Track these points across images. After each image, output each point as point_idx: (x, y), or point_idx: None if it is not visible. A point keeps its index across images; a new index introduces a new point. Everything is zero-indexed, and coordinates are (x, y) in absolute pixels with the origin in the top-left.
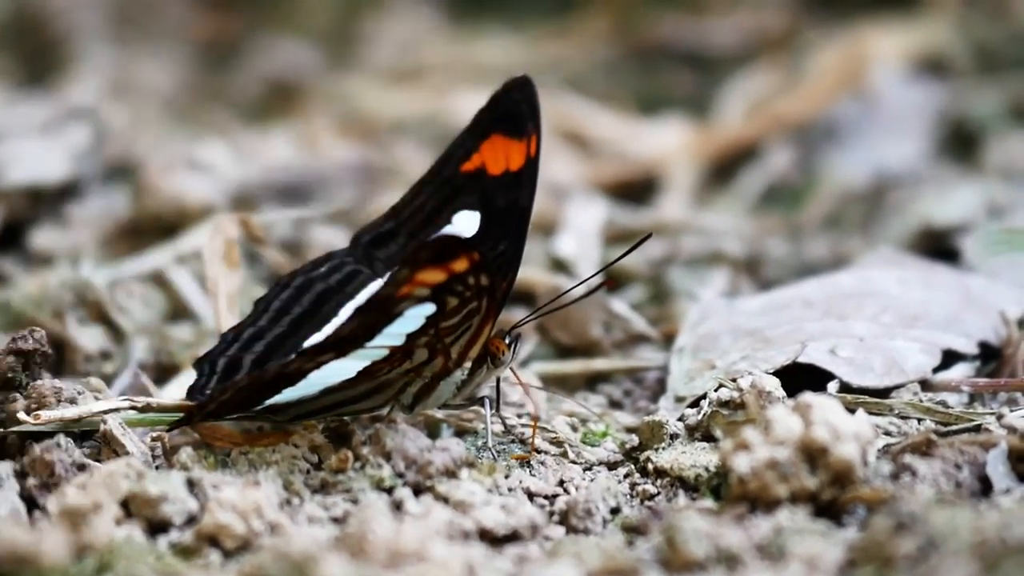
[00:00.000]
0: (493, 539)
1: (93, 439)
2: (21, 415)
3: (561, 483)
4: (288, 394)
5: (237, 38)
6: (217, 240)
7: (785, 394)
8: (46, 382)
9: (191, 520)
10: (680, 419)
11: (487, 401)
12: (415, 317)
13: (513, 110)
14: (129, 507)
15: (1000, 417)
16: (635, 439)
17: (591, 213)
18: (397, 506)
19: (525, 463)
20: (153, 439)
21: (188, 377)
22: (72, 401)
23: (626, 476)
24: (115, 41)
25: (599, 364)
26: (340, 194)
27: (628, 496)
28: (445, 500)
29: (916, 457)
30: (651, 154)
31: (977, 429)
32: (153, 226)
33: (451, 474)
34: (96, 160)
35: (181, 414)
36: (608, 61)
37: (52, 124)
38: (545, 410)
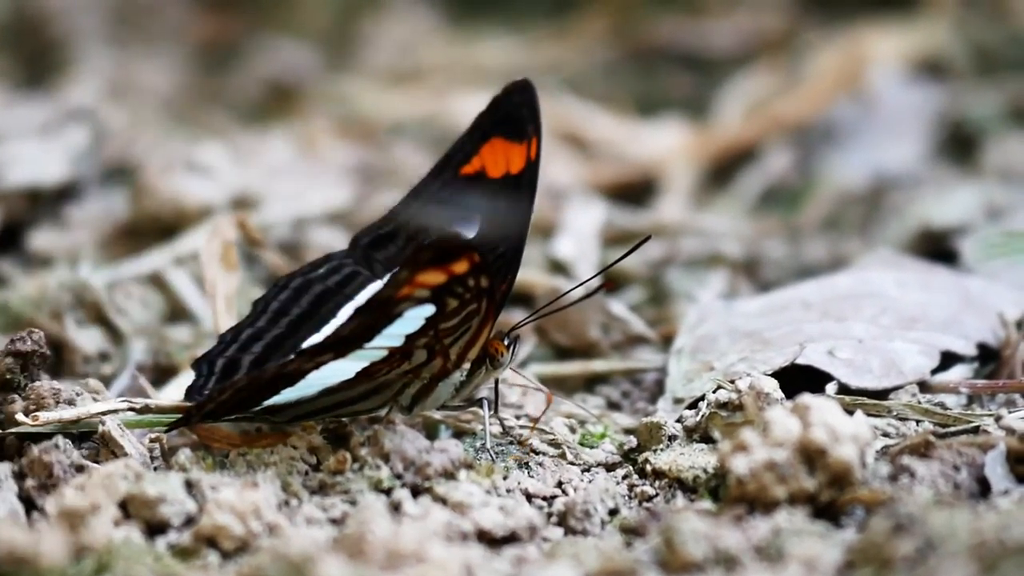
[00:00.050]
0: (491, 540)
1: (91, 440)
2: (19, 416)
3: (559, 484)
4: (287, 395)
5: (236, 39)
6: (215, 242)
7: (783, 395)
8: (44, 383)
9: (189, 521)
10: (678, 420)
11: (485, 402)
12: (415, 318)
13: (513, 113)
14: (127, 508)
15: (998, 418)
16: (633, 440)
17: (590, 215)
18: (395, 507)
19: (524, 464)
20: (151, 440)
21: (187, 378)
22: (70, 402)
23: (624, 477)
24: (114, 42)
25: (597, 366)
26: None
27: (626, 497)
28: (443, 501)
29: (914, 458)
30: (650, 156)
31: (975, 431)
32: (152, 227)
33: (449, 475)
34: (95, 161)
35: (180, 415)
36: (607, 63)
37: (51, 125)
38: (546, 409)
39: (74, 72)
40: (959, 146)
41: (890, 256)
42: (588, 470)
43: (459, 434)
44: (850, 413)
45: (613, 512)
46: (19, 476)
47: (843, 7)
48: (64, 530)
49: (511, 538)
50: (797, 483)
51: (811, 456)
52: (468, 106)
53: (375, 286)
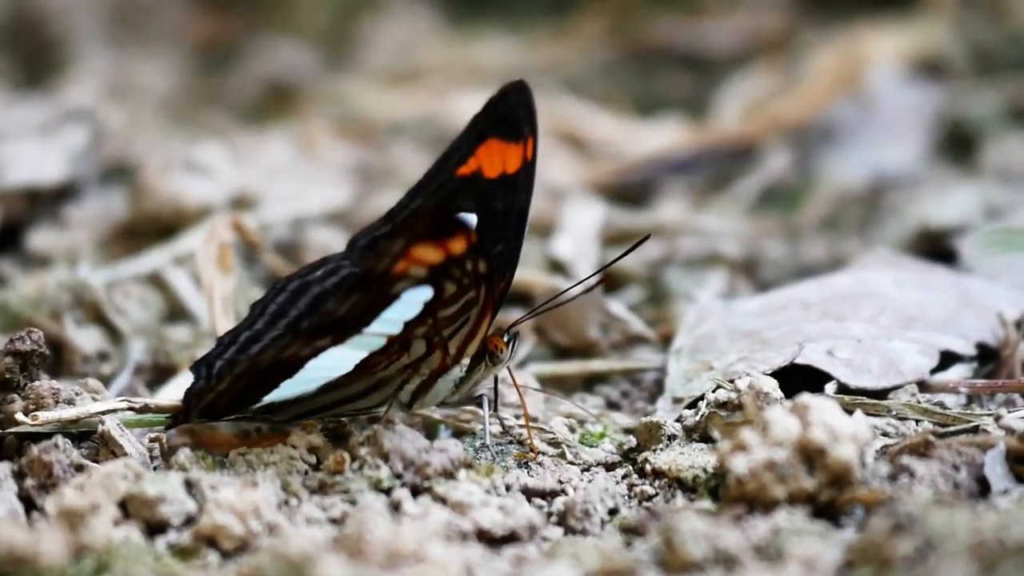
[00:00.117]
0: (491, 540)
1: (91, 440)
2: (19, 416)
3: (559, 484)
4: (286, 389)
5: (235, 40)
6: (210, 245)
7: (783, 395)
8: (44, 383)
9: (189, 521)
10: (678, 420)
11: (485, 401)
12: (413, 302)
13: (510, 114)
14: (127, 508)
15: (998, 418)
16: (633, 440)
17: (589, 214)
18: (395, 507)
19: (524, 463)
20: (151, 440)
21: (185, 378)
22: (70, 402)
23: (624, 477)
24: (113, 43)
25: (597, 365)
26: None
27: (626, 497)
28: (443, 501)
29: (914, 458)
30: (649, 155)
31: (975, 430)
32: (150, 227)
33: (449, 475)
34: (94, 161)
35: (179, 410)
36: (606, 63)
37: (50, 125)
38: (543, 411)
39: (73, 72)
40: (958, 146)
41: (889, 256)
42: (588, 470)
43: (459, 433)
44: (849, 413)
45: (613, 512)
46: (19, 476)
47: (842, 7)
48: (64, 530)
49: (511, 538)
50: (796, 483)
51: (810, 456)
52: (467, 106)
53: None
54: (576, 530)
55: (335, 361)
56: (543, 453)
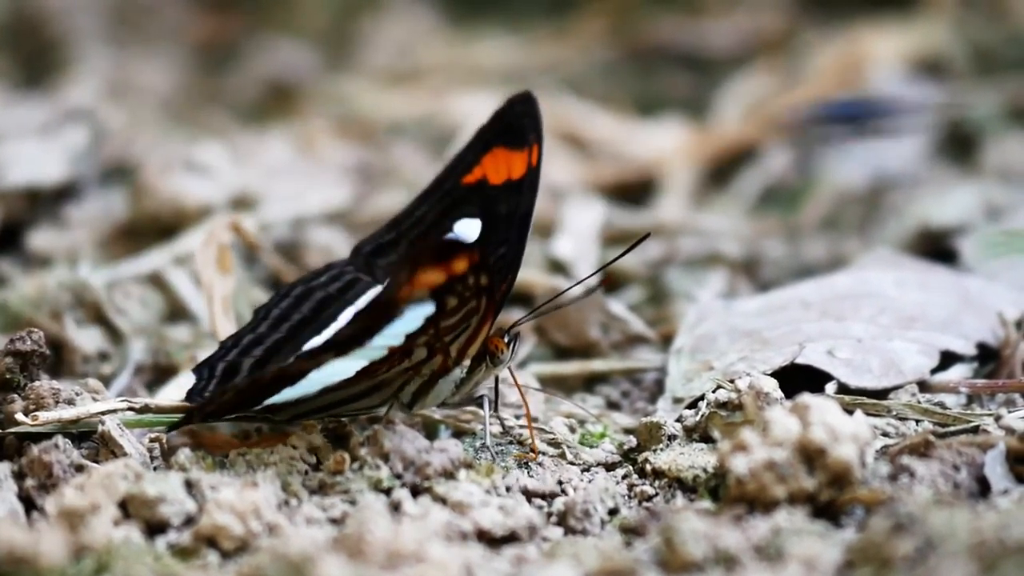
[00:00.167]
0: (491, 540)
1: (91, 440)
2: (19, 416)
3: (559, 484)
4: (287, 393)
5: (235, 39)
6: (210, 245)
7: (783, 395)
8: (44, 383)
9: (189, 521)
10: (678, 420)
11: (486, 401)
12: (415, 318)
13: (515, 124)
14: (127, 508)
15: (998, 418)
16: (633, 440)
17: (589, 214)
18: (395, 507)
19: (524, 464)
20: (151, 440)
21: (186, 378)
22: (70, 402)
23: (624, 477)
24: (113, 43)
25: (597, 365)
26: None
27: (626, 497)
28: (443, 501)
29: (914, 458)
30: (649, 155)
31: (975, 430)
32: (151, 227)
33: (449, 475)
34: (94, 161)
35: (180, 415)
36: (606, 63)
37: (50, 125)
38: (543, 411)
39: (73, 72)
40: (958, 146)
41: (889, 256)
42: (588, 470)
43: (459, 434)
44: (850, 413)
45: (613, 512)
46: (19, 476)
47: (842, 7)
48: (64, 530)
49: (511, 538)
50: (797, 483)
51: (811, 456)
52: (467, 106)
53: (376, 290)
54: (576, 530)
55: (337, 370)
56: (543, 453)
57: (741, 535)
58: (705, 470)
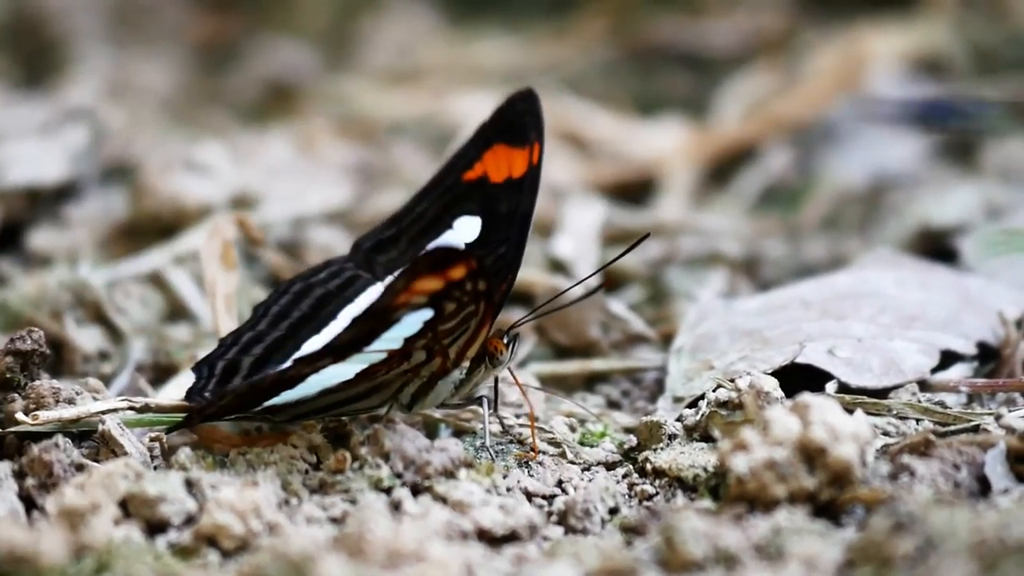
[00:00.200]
0: (491, 539)
1: (91, 439)
2: (19, 415)
3: (559, 483)
4: (286, 396)
5: (235, 39)
6: (214, 242)
7: (783, 394)
8: (44, 382)
9: (189, 520)
10: (678, 419)
11: (485, 401)
12: (413, 322)
13: (517, 121)
14: (127, 507)
15: (998, 417)
16: (633, 439)
17: (589, 214)
18: (395, 506)
19: (524, 463)
20: (151, 439)
21: (186, 378)
22: (70, 401)
23: (624, 476)
24: (113, 42)
25: (597, 364)
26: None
27: (626, 496)
28: (443, 500)
29: (914, 457)
30: (649, 155)
31: (975, 429)
32: (151, 227)
33: (449, 474)
34: (94, 161)
35: (180, 415)
36: (606, 62)
37: (50, 125)
38: (543, 410)
39: (73, 72)
40: (958, 146)
41: (889, 255)
42: (588, 469)
43: (459, 433)
44: (850, 412)
45: (613, 511)
46: (19, 475)
47: (842, 7)
48: (64, 529)
49: (511, 537)
50: (797, 482)
51: (811, 455)
52: (467, 106)
53: (376, 288)
54: (577, 529)
55: (336, 373)
56: (543, 452)
57: (741, 534)
58: (705, 469)
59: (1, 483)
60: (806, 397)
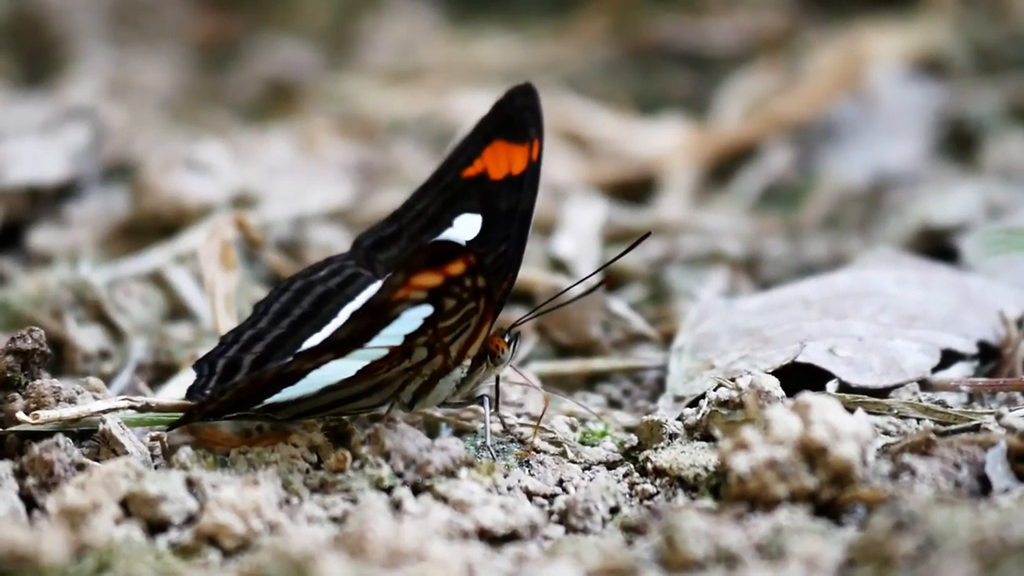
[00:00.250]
0: (492, 538)
1: (92, 439)
2: (20, 415)
3: (560, 483)
4: (287, 393)
5: (235, 38)
6: (213, 242)
7: (784, 394)
8: (45, 382)
9: (190, 520)
10: (679, 419)
11: (486, 400)
12: (413, 319)
13: (516, 117)
14: (128, 507)
15: (999, 417)
16: (634, 439)
17: (590, 213)
18: (396, 505)
19: (524, 462)
20: (152, 439)
21: (187, 377)
22: (71, 401)
23: (625, 476)
24: (114, 41)
25: (598, 364)
26: None
27: (627, 496)
28: (444, 499)
29: (915, 457)
30: (650, 154)
31: (976, 429)
32: (152, 226)
33: (450, 473)
34: (94, 160)
35: (180, 414)
36: (607, 61)
37: (51, 124)
38: (545, 409)
39: (74, 71)
40: (959, 145)
41: (890, 254)
42: (589, 468)
43: (460, 432)
44: (851, 411)
45: (614, 510)
46: (20, 474)
47: (843, 6)
48: (65, 528)
49: (512, 536)
50: (798, 481)
51: (812, 454)
52: (468, 105)
53: (376, 286)
54: (577, 529)
55: (337, 369)
56: (544, 452)
57: (742, 533)
58: (706, 468)
59: (2, 482)
60: (807, 396)
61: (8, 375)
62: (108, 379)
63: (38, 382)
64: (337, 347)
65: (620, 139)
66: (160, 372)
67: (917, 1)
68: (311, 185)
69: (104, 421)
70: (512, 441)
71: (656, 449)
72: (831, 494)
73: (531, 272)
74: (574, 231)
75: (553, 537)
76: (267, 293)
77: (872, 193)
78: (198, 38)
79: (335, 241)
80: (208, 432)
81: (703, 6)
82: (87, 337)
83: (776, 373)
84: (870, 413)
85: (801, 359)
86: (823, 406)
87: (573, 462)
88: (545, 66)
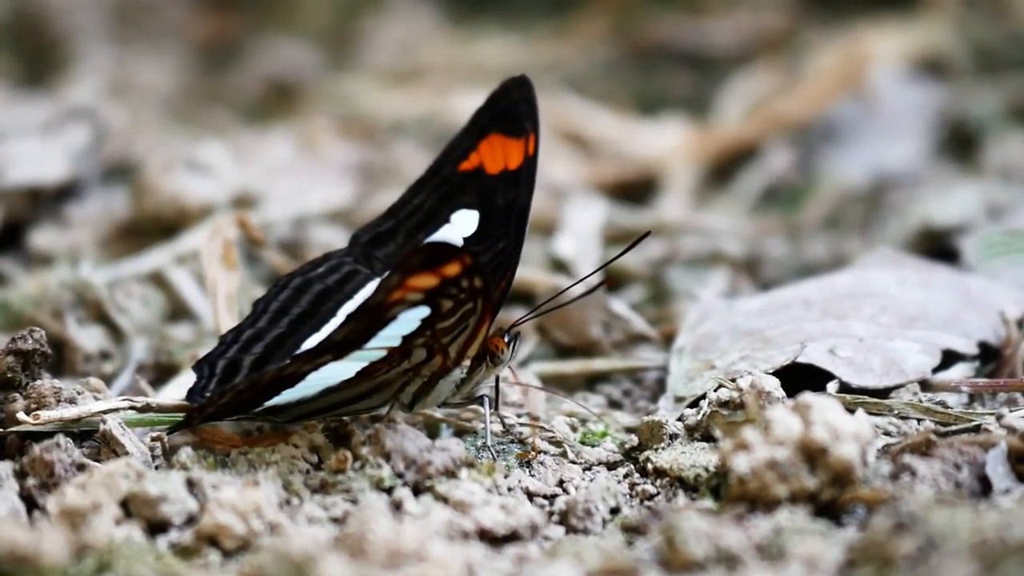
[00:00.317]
0: (492, 539)
1: (93, 439)
2: (21, 415)
3: (560, 483)
4: (287, 395)
5: (236, 38)
6: (215, 241)
7: (784, 394)
8: (45, 382)
9: (191, 520)
10: (679, 419)
11: (486, 400)
12: (410, 320)
13: (511, 110)
14: (129, 507)
15: (999, 417)
16: (634, 439)
17: (590, 213)
18: (396, 506)
19: (524, 463)
20: (153, 439)
21: (187, 377)
22: (71, 401)
23: (625, 476)
24: (114, 41)
25: (598, 364)
26: None
27: (627, 496)
28: (444, 500)
29: (916, 457)
30: (650, 154)
31: (976, 429)
32: (152, 226)
33: (450, 474)
34: (95, 160)
35: (181, 415)
36: (607, 61)
37: (51, 124)
38: (544, 410)
39: (74, 71)
40: (959, 145)
41: (891, 255)
42: (589, 469)
43: (460, 433)
44: (851, 412)
45: (614, 511)
46: (20, 475)
47: (844, 6)
48: (65, 529)
49: (512, 537)
50: (798, 482)
51: (812, 455)
52: (468, 105)
53: (374, 284)
54: (578, 529)
55: (336, 371)
56: (545, 452)
57: (743, 534)
58: (707, 469)
59: (2, 483)
60: (807, 397)
61: (9, 375)
62: (109, 379)
63: (39, 382)
64: (335, 349)
65: (621, 139)
66: (161, 372)
67: (917, 1)
68: (312, 185)
69: (104, 421)
70: (512, 441)
71: (656, 450)
72: (831, 495)
73: (531, 272)
74: (574, 231)
75: (553, 538)
76: (266, 291)
77: (873, 193)
78: (199, 38)
79: (336, 241)
80: (209, 432)
81: (703, 6)
82: (88, 337)
83: (777, 374)
84: (870, 414)
85: (802, 360)
86: (824, 407)
87: (573, 463)
88: (546, 66)
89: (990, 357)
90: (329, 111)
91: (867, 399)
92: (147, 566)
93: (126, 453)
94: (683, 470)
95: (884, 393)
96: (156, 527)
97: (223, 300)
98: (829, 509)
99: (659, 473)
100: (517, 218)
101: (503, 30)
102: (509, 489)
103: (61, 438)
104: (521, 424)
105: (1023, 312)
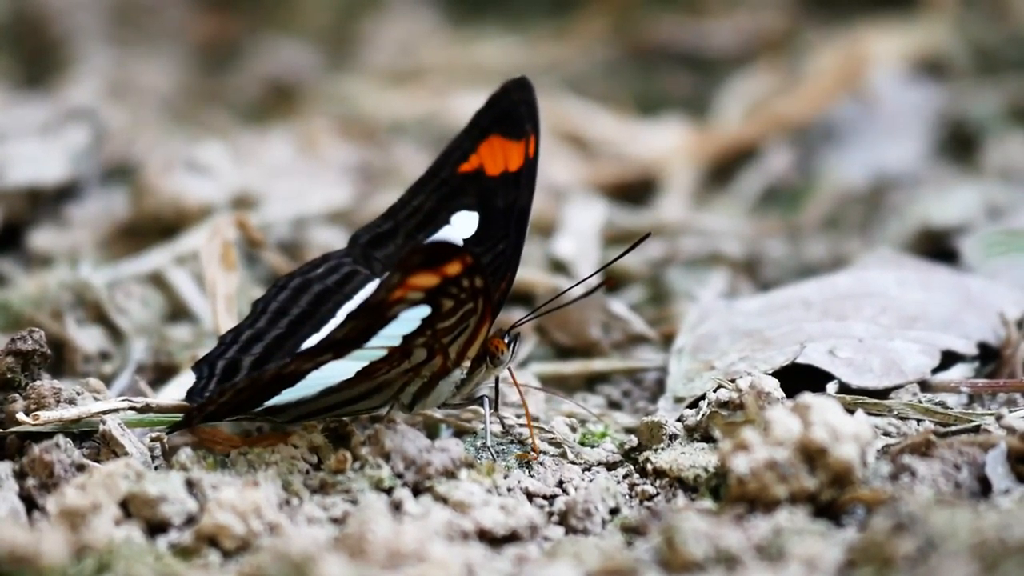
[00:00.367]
0: (492, 539)
1: (92, 439)
2: (20, 416)
3: (560, 484)
4: (287, 395)
5: (236, 39)
6: (214, 242)
7: (784, 395)
8: (45, 383)
9: (190, 520)
10: (679, 420)
11: (486, 401)
12: (411, 320)
13: (511, 111)
14: (128, 507)
15: (999, 418)
16: (634, 440)
17: (590, 214)
18: (396, 506)
19: (524, 463)
20: (152, 440)
21: (187, 378)
22: (71, 402)
23: (625, 477)
24: (114, 42)
25: (598, 365)
26: None
27: (627, 497)
28: (444, 500)
29: (915, 458)
30: (650, 155)
31: (976, 430)
32: (152, 227)
33: (450, 474)
34: (95, 161)
35: (180, 415)
36: (607, 62)
37: (51, 125)
38: (544, 411)
39: (74, 72)
40: (959, 146)
41: (890, 255)
42: (589, 469)
43: (460, 433)
44: (851, 412)
45: (614, 511)
46: (20, 475)
47: (843, 7)
48: (65, 529)
49: (512, 537)
50: (798, 482)
51: (812, 455)
52: (468, 105)
53: (374, 284)
54: (577, 530)
55: (336, 371)
56: (544, 453)
57: (742, 534)
58: (706, 469)
59: (2, 483)
60: (807, 397)
61: (8, 376)
62: (108, 380)
63: (38, 383)
64: (336, 347)
65: (620, 140)
66: (160, 373)
67: (917, 2)
68: (311, 186)
69: (104, 422)
70: (512, 442)
71: (656, 450)
72: (831, 495)
73: (531, 273)
74: (574, 232)
75: (553, 538)
76: (265, 291)
77: (872, 194)
78: (198, 39)
79: (335, 242)
80: (208, 433)
81: (703, 7)
82: (87, 338)
83: (776, 374)
84: (870, 414)
85: (801, 360)
86: (823, 407)
87: (573, 463)
88: (546, 67)
89: (990, 358)
90: (329, 112)
91: (867, 400)
92: (147, 566)
93: (126, 453)
94: (683, 471)
95: (884, 394)
96: (156, 527)
97: (222, 301)
98: (829, 510)
99: (659, 474)
100: (517, 220)
101: (503, 31)
102: (509, 489)
103: (61, 438)
104: (521, 425)
105: (1023, 313)
